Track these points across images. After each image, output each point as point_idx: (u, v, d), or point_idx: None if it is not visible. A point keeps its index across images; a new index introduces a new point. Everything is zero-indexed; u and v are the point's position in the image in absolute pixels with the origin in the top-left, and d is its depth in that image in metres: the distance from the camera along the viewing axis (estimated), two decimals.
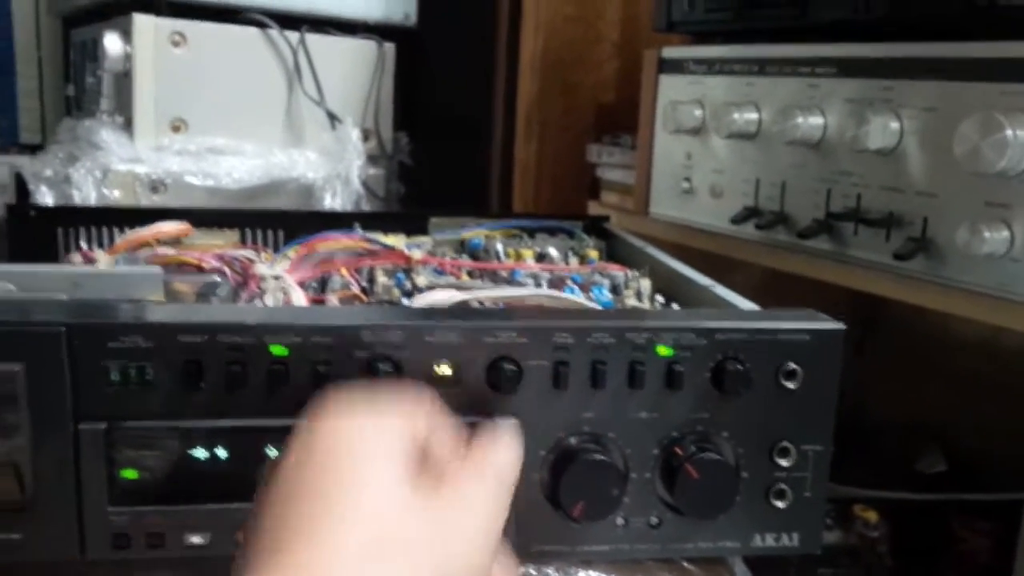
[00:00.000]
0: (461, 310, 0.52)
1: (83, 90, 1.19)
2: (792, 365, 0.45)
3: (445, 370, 0.44)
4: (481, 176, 1.21)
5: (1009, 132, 0.58)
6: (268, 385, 0.42)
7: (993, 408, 0.95)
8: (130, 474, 0.42)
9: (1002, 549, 0.84)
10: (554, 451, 0.45)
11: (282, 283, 0.53)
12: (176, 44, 1.05)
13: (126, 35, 1.03)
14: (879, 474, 0.97)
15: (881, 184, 0.69)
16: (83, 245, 0.76)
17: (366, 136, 1.13)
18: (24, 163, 1.12)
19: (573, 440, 0.45)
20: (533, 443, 0.45)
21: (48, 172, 1.04)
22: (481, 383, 0.44)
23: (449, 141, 1.22)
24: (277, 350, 0.42)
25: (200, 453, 0.43)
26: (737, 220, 0.79)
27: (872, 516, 0.92)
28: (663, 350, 0.45)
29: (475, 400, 0.44)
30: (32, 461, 0.41)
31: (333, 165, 1.05)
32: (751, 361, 0.45)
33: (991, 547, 0.87)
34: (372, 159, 1.13)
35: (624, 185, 1.01)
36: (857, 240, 0.71)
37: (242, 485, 0.43)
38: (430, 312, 0.48)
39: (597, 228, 0.82)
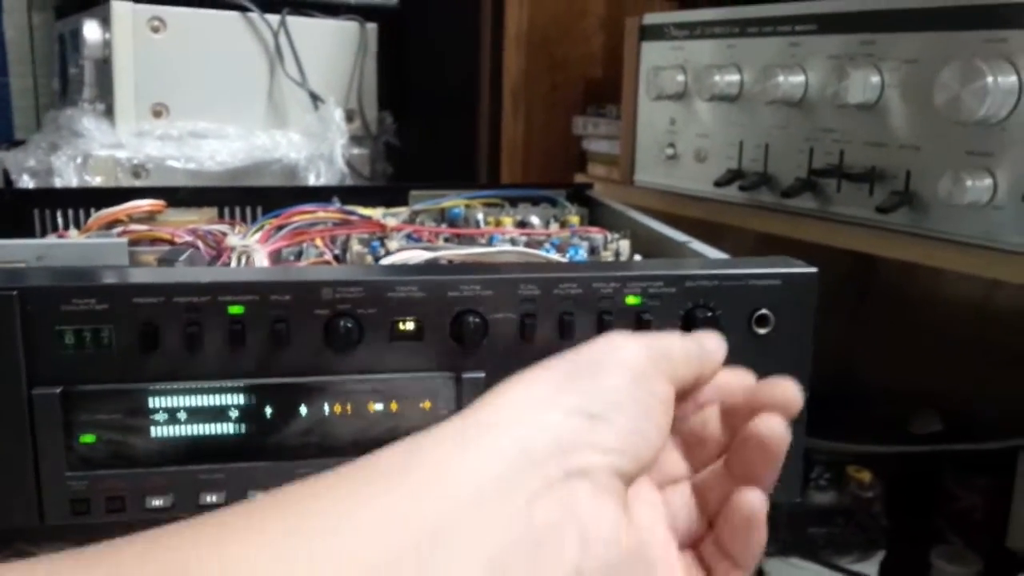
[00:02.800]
0: (426, 267, 0.51)
1: (67, 81, 1.18)
2: (764, 311, 0.44)
3: (409, 326, 0.43)
4: (469, 154, 1.20)
5: (990, 79, 0.57)
6: (227, 345, 0.42)
7: (985, 368, 0.94)
8: (88, 439, 0.42)
9: (997, 505, 0.83)
10: None
11: (247, 249, 0.52)
12: (155, 30, 1.04)
13: (105, 22, 1.02)
14: (874, 437, 0.96)
15: (864, 139, 0.68)
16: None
17: (350, 117, 1.12)
18: (7, 156, 1.12)
19: None
20: None
21: (31, 162, 1.03)
22: (446, 338, 0.43)
23: (436, 120, 1.21)
24: (235, 309, 0.41)
25: (159, 416, 0.42)
26: (720, 183, 0.78)
27: (866, 477, 0.91)
28: (632, 299, 0.44)
29: (441, 355, 0.43)
30: None
31: (316, 145, 1.04)
32: (721, 308, 0.44)
33: (985, 504, 0.86)
34: (357, 139, 1.12)
35: (610, 156, 0.99)
36: (840, 196, 0.70)
37: (202, 447, 0.43)
38: (392, 269, 0.47)
39: (580, 196, 0.81)
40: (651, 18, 0.87)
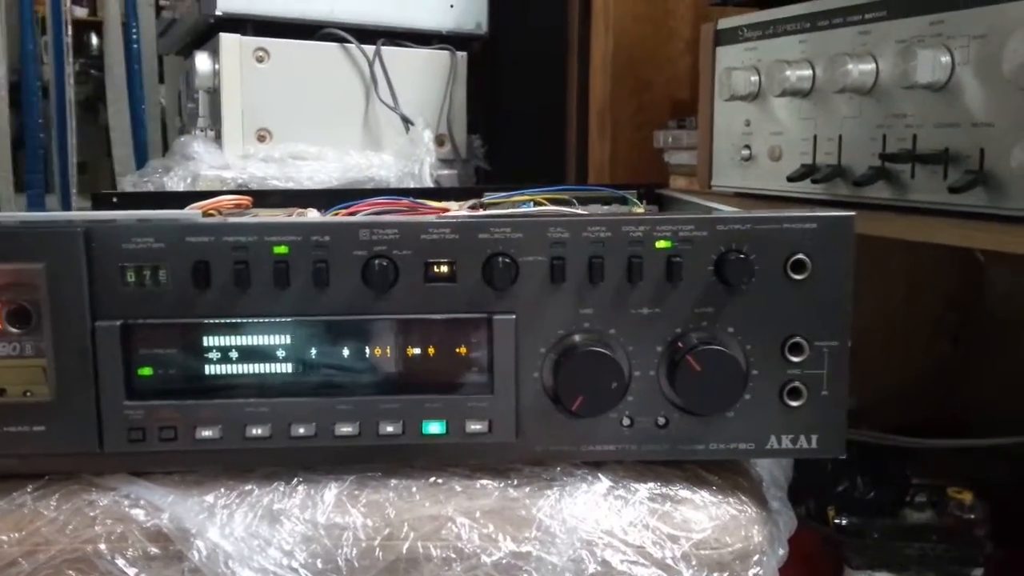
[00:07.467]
0: (461, 215, 0.53)
1: (185, 114, 1.27)
2: (800, 256, 0.44)
3: (442, 268, 0.44)
4: (557, 177, 1.22)
5: None
6: (272, 284, 0.44)
7: None
8: (145, 371, 0.44)
9: None
10: (555, 349, 0.45)
11: (305, 213, 0.55)
12: (260, 60, 1.11)
13: (215, 54, 1.10)
14: (977, 463, 0.91)
15: (936, 121, 0.66)
16: None
17: (441, 141, 1.17)
18: (125, 179, 1.21)
19: (574, 338, 0.44)
20: (533, 340, 0.45)
21: (148, 185, 1.12)
22: (478, 280, 0.44)
23: (524, 143, 1.24)
24: (279, 249, 0.44)
25: (210, 351, 0.44)
26: (794, 178, 0.77)
27: (967, 497, 0.86)
28: (662, 243, 0.44)
29: (473, 297, 0.44)
30: (55, 357, 0.44)
31: (406, 164, 1.08)
32: (755, 252, 0.44)
33: None
34: (447, 162, 1.16)
35: (690, 167, 0.99)
36: (915, 183, 0.68)
37: (249, 382, 0.45)
38: (428, 217, 0.49)
39: (651, 195, 0.81)
40: (725, 22, 0.87)
